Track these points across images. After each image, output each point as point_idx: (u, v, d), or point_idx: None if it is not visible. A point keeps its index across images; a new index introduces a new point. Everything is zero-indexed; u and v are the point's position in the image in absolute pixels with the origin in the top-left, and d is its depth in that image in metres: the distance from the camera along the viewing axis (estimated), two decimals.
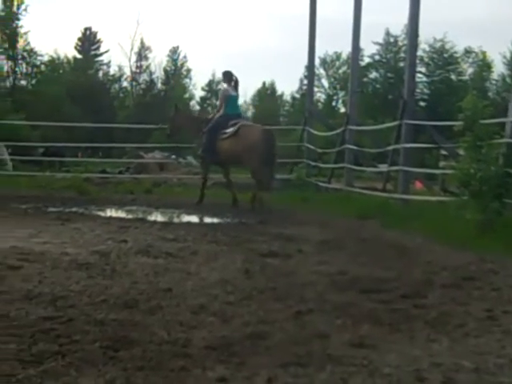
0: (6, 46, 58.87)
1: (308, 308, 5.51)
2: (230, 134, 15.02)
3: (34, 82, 61.32)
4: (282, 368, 3.99)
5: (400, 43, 62.34)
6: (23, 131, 35.29)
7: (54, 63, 65.18)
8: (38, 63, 61.20)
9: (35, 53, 60.28)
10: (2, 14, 58.13)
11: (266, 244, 9.23)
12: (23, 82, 61.23)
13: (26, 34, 59.94)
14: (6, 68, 58.46)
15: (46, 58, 62.76)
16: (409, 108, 15.90)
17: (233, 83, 15.88)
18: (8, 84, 59.82)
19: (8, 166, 26.25)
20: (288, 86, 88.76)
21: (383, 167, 18.41)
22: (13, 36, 58.42)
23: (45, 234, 9.32)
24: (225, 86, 16.23)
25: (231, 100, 15.73)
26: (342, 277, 6.89)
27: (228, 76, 16.08)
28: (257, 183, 15.27)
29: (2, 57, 56.27)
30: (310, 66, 25.63)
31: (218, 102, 16.55)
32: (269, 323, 5.01)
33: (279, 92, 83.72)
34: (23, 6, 58.78)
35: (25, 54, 59.98)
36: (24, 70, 60.87)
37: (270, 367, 3.99)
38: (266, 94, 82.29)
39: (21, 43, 59.54)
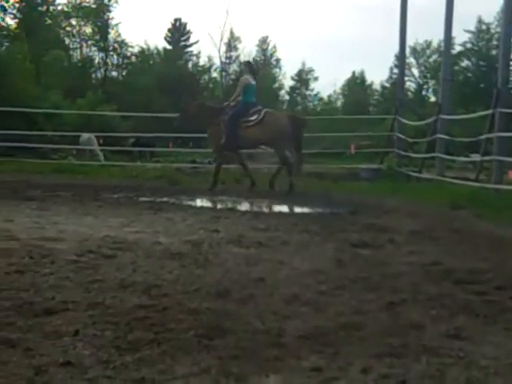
0: (98, 37, 59.90)
1: (401, 298, 5.44)
2: (256, 122, 15.55)
3: (124, 73, 62.25)
4: (377, 358, 3.95)
5: (492, 31, 61.15)
6: (114, 122, 35.87)
7: (145, 54, 66.02)
8: (129, 54, 62.15)
9: (126, 44, 61.25)
10: (94, 6, 59.11)
11: (357, 234, 9.15)
12: (114, 74, 62.24)
13: (117, 25, 60.95)
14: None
15: (136, 50, 63.71)
16: (503, 97, 15.57)
17: (252, 73, 16.62)
18: (99, 75, 60.85)
19: (99, 157, 26.71)
20: (377, 76, 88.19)
21: (475, 157, 18.10)
22: (104, 28, 59.41)
23: (137, 224, 9.43)
24: (246, 75, 16.50)
25: (250, 89, 16.19)
26: (435, 267, 6.78)
27: (248, 65, 17.07)
28: (287, 168, 15.86)
29: None
30: (401, 55, 25.35)
31: (237, 89, 16.34)
32: (362, 313, 4.97)
33: (369, 81, 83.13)
34: None
35: (116, 45, 60.93)
36: (115, 62, 61.83)
37: (365, 357, 3.96)
38: (356, 83, 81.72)
39: (112, 35, 60.52)
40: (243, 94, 15.99)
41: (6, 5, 41.85)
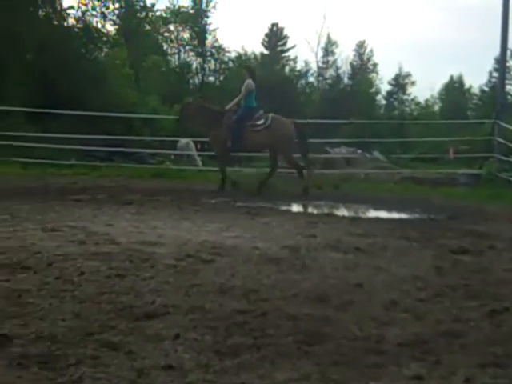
0: (196, 43, 60.53)
1: (504, 306, 5.33)
2: (264, 126, 15.86)
3: (221, 78, 62.69)
4: (480, 368, 3.88)
5: None
6: None
7: (241, 59, 66.35)
8: (226, 60, 62.53)
9: (223, 49, 61.63)
10: (192, 11, 59.76)
11: (456, 240, 9.02)
12: (211, 79, 62.69)
13: (214, 31, 61.46)
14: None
15: (233, 55, 64.07)
16: None
17: (253, 77, 16.70)
18: (197, 81, 61.46)
19: (197, 162, 26.97)
20: (476, 79, 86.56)
21: None
22: (202, 33, 59.99)
23: (235, 229, 9.47)
24: (249, 80, 16.51)
25: (252, 93, 16.39)
26: None
27: (250, 70, 17.25)
28: (297, 172, 16.39)
29: None
30: (502, 58, 24.92)
31: (242, 93, 16.32)
32: (463, 321, 4.89)
33: (467, 85, 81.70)
34: (212, 4, 60.26)
35: (213, 50, 61.43)
36: (212, 67, 62.34)
37: (467, 367, 3.89)
38: (454, 87, 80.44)
39: (209, 40, 61.07)
40: (245, 98, 16.26)
41: (105, 11, 42.65)
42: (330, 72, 74.81)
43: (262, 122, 15.92)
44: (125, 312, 4.80)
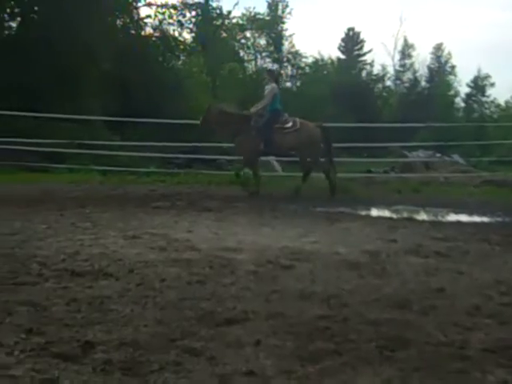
0: (272, 49, 60.70)
1: None
2: (294, 129, 15.93)
3: (298, 83, 62.71)
4: None
5: None
6: None
7: (318, 64, 66.28)
8: (303, 65, 62.56)
9: (300, 55, 61.69)
10: (268, 18, 59.97)
11: None
12: (288, 84, 62.74)
13: (290, 36, 61.59)
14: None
15: (310, 60, 64.06)
16: None
17: (276, 81, 16.83)
18: None
19: (276, 167, 26.99)
20: None
21: None
22: (278, 39, 60.15)
23: (315, 234, 9.44)
24: (273, 84, 16.46)
25: (277, 97, 16.34)
26: None
27: (273, 74, 17.14)
28: (303, 172, 16.49)
29: None
30: None
31: (268, 97, 16.18)
32: None
33: None
34: (288, 10, 60.41)
35: (290, 56, 61.53)
36: (289, 72, 62.43)
37: None
38: None
39: (286, 46, 61.19)
40: (273, 102, 16.19)
41: (182, 20, 43.08)
42: (408, 75, 74.12)
43: (290, 124, 15.98)
44: (206, 318, 4.82)
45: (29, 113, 22.95)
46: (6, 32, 32.17)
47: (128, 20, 35.08)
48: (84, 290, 5.62)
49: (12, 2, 32.12)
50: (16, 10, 32.42)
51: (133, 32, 35.17)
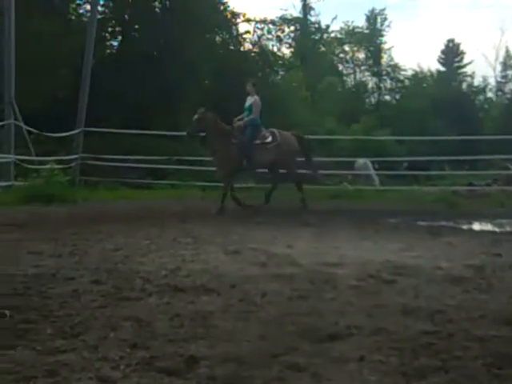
0: (371, 62, 60.48)
1: None
2: (274, 144, 15.39)
3: (397, 96, 62.26)
4: None
5: None
6: (389, 146, 35.91)
7: (418, 77, 65.65)
8: (402, 78, 62.10)
9: (398, 68, 61.27)
10: (367, 31, 59.81)
11: None
12: (387, 98, 62.38)
13: (389, 49, 61.27)
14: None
15: (409, 73, 63.54)
16: None
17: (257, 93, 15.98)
18: (373, 100, 61.32)
19: (375, 181, 26.82)
20: None
21: None
22: (377, 52, 59.91)
23: (416, 248, 9.31)
24: (256, 96, 15.75)
25: (260, 110, 15.70)
26: None
27: (256, 87, 16.11)
28: (295, 184, 15.95)
29: None
30: None
31: (255, 111, 15.47)
32: None
33: None
34: (386, 22, 60.14)
35: (389, 69, 61.17)
36: (388, 86, 62.05)
37: None
38: None
39: (385, 59, 60.87)
40: (257, 115, 15.60)
41: (281, 35, 43.37)
42: (510, 86, 72.67)
43: (270, 139, 15.44)
44: (308, 333, 4.79)
45: (130, 130, 23.40)
46: (108, 51, 32.92)
47: (227, 36, 35.46)
48: (186, 305, 5.66)
49: (113, 21, 32.85)
50: (117, 29, 33.14)
51: (232, 48, 35.52)
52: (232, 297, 5.97)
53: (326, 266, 7.56)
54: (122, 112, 27.20)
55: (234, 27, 36.22)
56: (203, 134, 15.47)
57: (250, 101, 15.69)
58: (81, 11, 33.17)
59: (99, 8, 28.12)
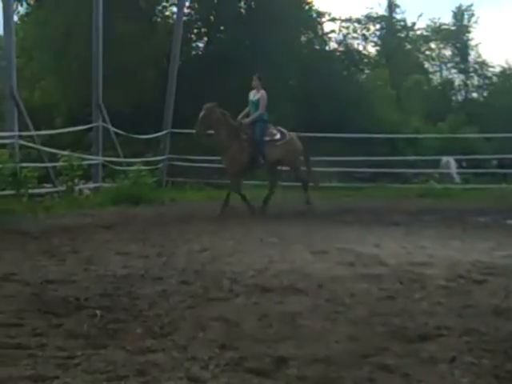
0: (458, 59, 59.60)
1: None
2: (283, 142, 14.92)
3: (485, 94, 61.20)
4: None
5: None
6: (476, 144, 35.34)
7: (506, 74, 64.43)
8: (490, 75, 61.02)
9: (486, 64, 60.21)
10: (453, 28, 58.97)
11: None
12: (475, 95, 61.36)
13: (476, 46, 60.25)
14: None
15: (497, 69, 62.39)
16: None
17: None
18: (460, 98, 60.43)
19: (455, 180, 26.46)
20: None
21: None
22: (464, 49, 59.00)
23: (506, 247, 9.15)
24: (262, 91, 15.05)
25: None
26: None
27: (262, 81, 15.32)
28: (303, 185, 15.34)
29: None
30: None
31: (263, 106, 14.83)
32: None
33: None
34: (474, 19, 59.16)
35: (476, 66, 60.18)
36: (476, 83, 61.05)
37: None
38: None
39: (472, 56, 59.91)
40: (264, 111, 14.99)
41: (366, 33, 43.15)
42: None
43: (279, 136, 14.96)
44: (398, 334, 4.73)
45: None
46: (194, 52, 33.22)
47: (312, 35, 35.42)
48: (274, 305, 5.65)
49: (199, 23, 33.14)
50: (203, 30, 33.42)
51: (317, 47, 35.48)
52: (320, 297, 5.95)
53: (414, 266, 7.47)
54: None
55: (319, 26, 36.16)
56: (211, 132, 14.84)
57: (256, 95, 15.06)
58: (166, 13, 33.57)
59: (185, 10, 28.38)
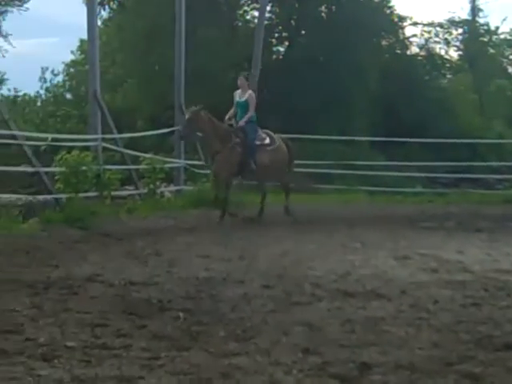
0: None
1: None
2: (274, 147, 14.07)
3: None
4: None
5: None
6: None
7: None
8: None
9: None
10: None
11: None
12: None
13: None
14: None
15: None
16: None
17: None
18: None
19: None
20: None
21: None
22: None
23: None
24: (250, 91, 14.09)
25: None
26: None
27: (249, 81, 14.65)
28: (285, 190, 14.69)
29: None
30: None
31: (252, 107, 13.85)
32: None
33: None
34: None
35: None
36: None
37: None
38: None
39: None
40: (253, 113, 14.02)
41: (448, 37, 42.59)
42: None
43: (268, 141, 14.07)
44: (483, 342, 4.66)
45: (297, 135, 23.54)
46: (274, 56, 33.26)
47: (394, 39, 35.15)
48: (357, 310, 5.63)
49: (280, 27, 33.17)
50: (284, 35, 33.45)
51: (398, 51, 35.20)
52: (403, 303, 5.90)
53: (499, 273, 7.37)
54: (288, 116, 27.40)
55: (400, 31, 35.87)
56: (200, 135, 14.17)
57: (242, 96, 13.99)
58: (247, 17, 33.70)
59: (266, 14, 28.43)
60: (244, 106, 13.93)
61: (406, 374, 4.00)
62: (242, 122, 13.78)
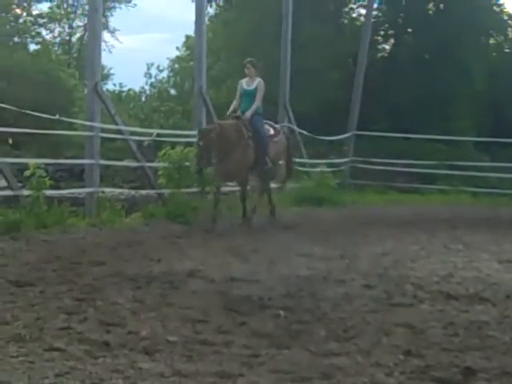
0: None
1: None
2: (279, 137, 13.23)
3: None
4: None
5: None
6: None
7: None
8: None
9: None
10: None
11: None
12: None
13: None
14: None
15: None
16: None
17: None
18: None
19: None
20: None
21: None
22: None
23: None
24: (259, 78, 12.77)
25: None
26: None
27: (259, 67, 13.04)
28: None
29: None
30: None
31: (261, 95, 12.52)
32: None
33: None
34: None
35: None
36: None
37: None
38: None
39: None
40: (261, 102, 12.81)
41: None
42: None
43: (272, 132, 13.04)
44: None
45: (400, 134, 23.30)
46: (380, 54, 32.97)
47: (502, 38, 34.44)
48: (460, 313, 5.53)
49: (386, 25, 32.86)
50: (390, 32, 33.12)
51: (507, 50, 34.46)
52: (508, 307, 5.79)
53: None
54: (392, 115, 27.14)
55: (509, 29, 35.11)
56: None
57: (251, 84, 12.83)
58: (353, 15, 33.52)
59: (373, 12, 28.25)
60: (252, 95, 12.79)
61: (511, 380, 3.91)
62: (248, 114, 12.59)
